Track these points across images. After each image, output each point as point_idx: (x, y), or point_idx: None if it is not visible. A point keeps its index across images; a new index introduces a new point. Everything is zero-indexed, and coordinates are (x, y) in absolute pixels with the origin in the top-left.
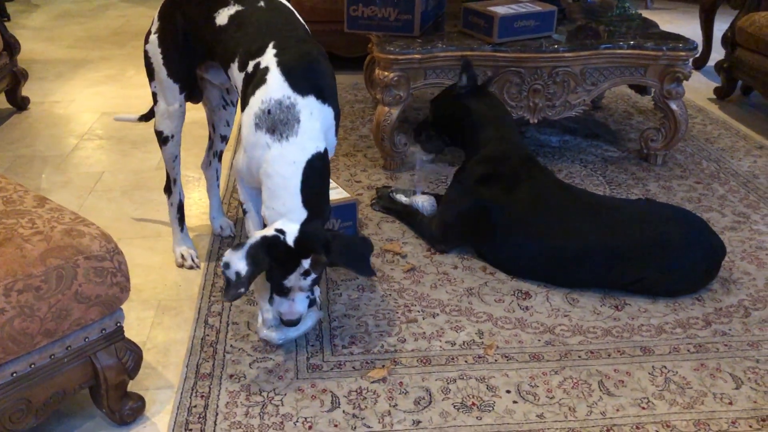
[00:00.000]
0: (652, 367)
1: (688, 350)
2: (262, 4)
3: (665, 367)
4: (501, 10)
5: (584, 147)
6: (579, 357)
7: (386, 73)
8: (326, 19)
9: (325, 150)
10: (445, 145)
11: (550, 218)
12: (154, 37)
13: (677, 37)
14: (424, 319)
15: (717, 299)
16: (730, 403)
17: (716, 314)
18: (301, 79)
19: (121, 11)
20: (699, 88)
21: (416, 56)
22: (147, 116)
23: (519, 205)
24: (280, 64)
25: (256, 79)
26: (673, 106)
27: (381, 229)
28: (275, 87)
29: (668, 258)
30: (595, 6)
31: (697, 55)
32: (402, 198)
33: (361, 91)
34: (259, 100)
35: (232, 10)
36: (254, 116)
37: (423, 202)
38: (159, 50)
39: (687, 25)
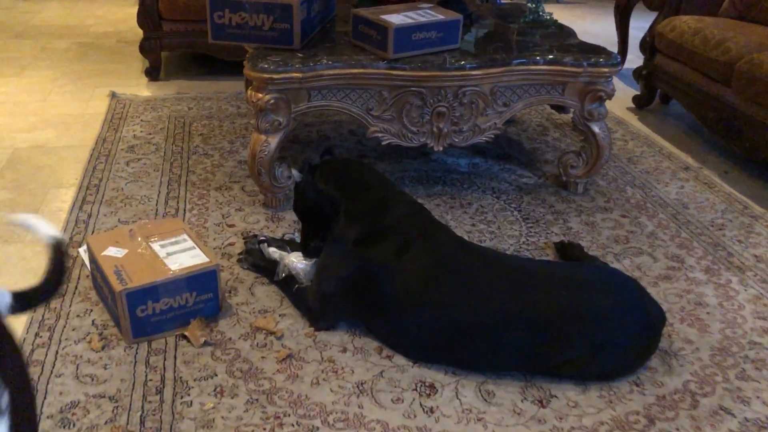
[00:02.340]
0: None
1: None
2: None
3: None
4: (396, 19)
5: (496, 172)
6: None
7: (260, 95)
8: (201, 18)
9: None
10: None
11: (455, 285)
12: None
13: (598, 50)
14: None
15: (658, 383)
16: None
17: (659, 406)
18: None
19: None
20: (616, 95)
21: (296, 75)
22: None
23: (414, 269)
24: None
25: None
26: (595, 128)
27: (254, 295)
28: None
29: (599, 333)
30: (506, 10)
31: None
32: (275, 254)
33: (244, 103)
34: None
35: None
36: None
37: (297, 263)
38: None
39: (600, 22)
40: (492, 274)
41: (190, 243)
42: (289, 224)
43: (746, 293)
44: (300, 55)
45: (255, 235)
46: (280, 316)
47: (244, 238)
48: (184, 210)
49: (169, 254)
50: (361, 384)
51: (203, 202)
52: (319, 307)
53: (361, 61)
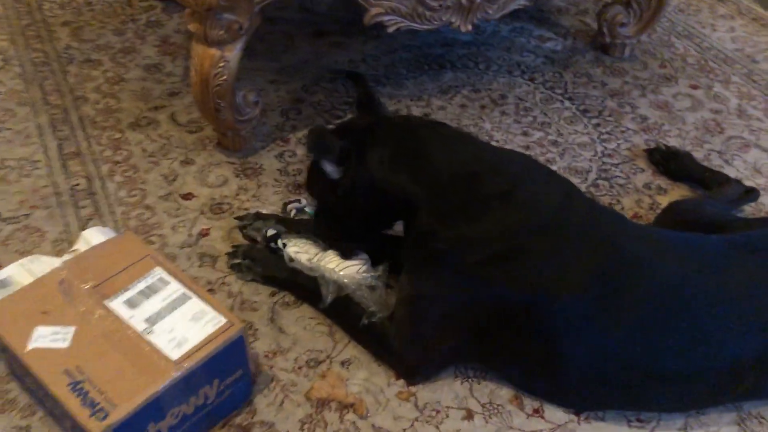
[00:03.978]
0: None
1: None
2: None
3: None
4: None
5: (509, 37)
6: None
7: None
8: None
9: None
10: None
11: (655, 303)
12: None
13: None
14: None
15: None
16: None
17: None
18: None
19: None
20: None
21: None
22: None
23: (590, 288)
24: None
25: None
26: None
27: (285, 331)
28: None
29: None
30: None
31: None
32: (299, 255)
33: None
34: None
35: None
36: None
37: (353, 277)
38: None
39: None
40: (705, 277)
41: (174, 285)
42: (274, 178)
43: None
44: None
45: (258, 217)
46: (343, 365)
47: (238, 223)
48: (101, 179)
49: (150, 321)
50: None
51: (124, 157)
52: (419, 356)
53: None
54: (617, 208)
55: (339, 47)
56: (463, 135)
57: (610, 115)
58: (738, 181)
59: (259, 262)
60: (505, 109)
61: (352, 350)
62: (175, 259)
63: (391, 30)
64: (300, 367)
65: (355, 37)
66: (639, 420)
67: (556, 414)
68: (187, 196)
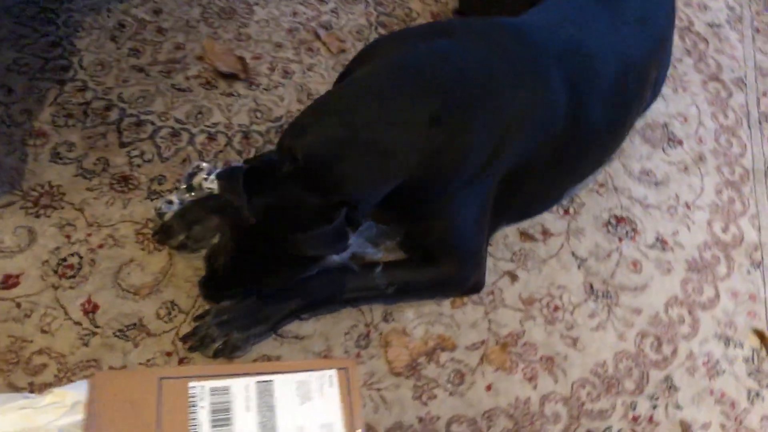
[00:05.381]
0: None
1: None
2: None
3: None
4: None
5: None
6: None
7: None
8: None
9: None
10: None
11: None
12: None
13: None
14: None
15: None
16: None
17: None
18: None
19: None
20: None
21: None
22: None
23: (569, 93)
24: None
25: None
26: None
27: (307, 336)
28: None
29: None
30: None
31: None
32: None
33: None
34: None
35: None
36: None
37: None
38: None
39: None
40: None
41: (238, 383)
42: (86, 188)
43: None
44: None
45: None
46: (387, 320)
47: (166, 240)
48: None
49: None
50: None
51: None
52: (479, 269)
53: None
54: (412, 16)
55: None
56: (373, 87)
57: None
58: None
59: (254, 320)
60: None
61: (376, 310)
62: (85, 365)
63: None
64: (357, 355)
65: None
66: (599, 187)
67: (555, 225)
68: (8, 282)
